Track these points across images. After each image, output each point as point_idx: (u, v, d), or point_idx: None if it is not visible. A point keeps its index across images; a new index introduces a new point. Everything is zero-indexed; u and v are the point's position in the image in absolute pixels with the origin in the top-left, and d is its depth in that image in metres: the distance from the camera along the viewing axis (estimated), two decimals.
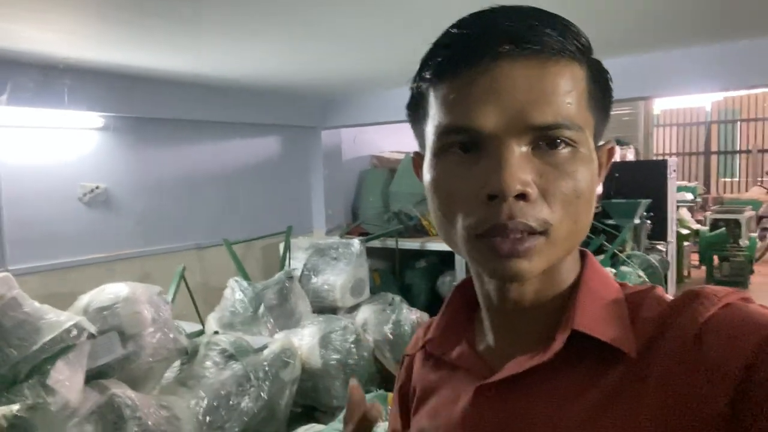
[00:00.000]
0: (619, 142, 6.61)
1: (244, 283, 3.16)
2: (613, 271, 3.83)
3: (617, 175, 5.39)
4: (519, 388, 0.52)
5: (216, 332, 2.86)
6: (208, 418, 2.42)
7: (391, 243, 4.12)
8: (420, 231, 4.14)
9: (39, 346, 1.87)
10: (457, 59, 0.49)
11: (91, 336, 2.02)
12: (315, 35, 2.47)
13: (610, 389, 0.47)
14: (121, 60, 2.72)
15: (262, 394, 2.61)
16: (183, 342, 2.61)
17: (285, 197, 4.21)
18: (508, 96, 0.47)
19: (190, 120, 3.48)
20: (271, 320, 3.11)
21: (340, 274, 3.58)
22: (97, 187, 2.96)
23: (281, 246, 3.73)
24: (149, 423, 2.09)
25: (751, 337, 0.42)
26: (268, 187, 4.05)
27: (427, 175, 0.53)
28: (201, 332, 2.97)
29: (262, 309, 3.10)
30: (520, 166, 0.47)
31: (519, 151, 0.47)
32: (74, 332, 1.95)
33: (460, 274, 3.92)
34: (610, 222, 4.71)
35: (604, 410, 0.47)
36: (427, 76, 0.51)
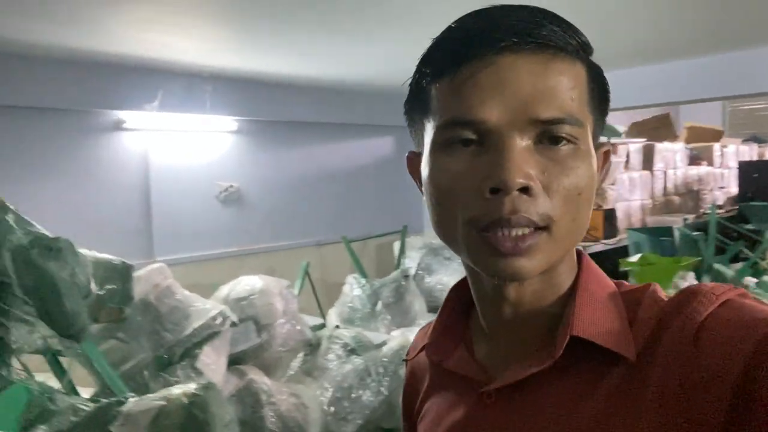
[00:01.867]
0: (757, 140, 5.99)
1: (362, 280, 3.25)
2: (755, 280, 3.47)
3: (756, 175, 4.90)
4: (520, 395, 0.51)
5: (337, 326, 2.96)
6: (332, 409, 2.51)
7: None
8: None
9: (190, 331, 2.04)
10: (460, 53, 0.48)
11: (233, 324, 2.17)
12: (430, 37, 2.48)
13: (610, 394, 0.47)
14: (255, 66, 2.90)
15: (382, 389, 2.66)
16: (308, 334, 2.74)
17: (398, 196, 4.28)
18: (512, 89, 0.46)
19: (311, 122, 3.65)
20: (388, 317, 3.17)
21: (454, 274, 3.57)
22: (231, 186, 3.18)
23: (395, 245, 3.79)
24: (282, 409, 2.21)
25: (748, 337, 0.41)
26: (382, 187, 4.14)
27: (425, 170, 0.52)
28: (322, 326, 3.09)
29: (379, 306, 3.17)
30: (523, 159, 0.46)
31: (522, 144, 0.47)
32: (219, 320, 2.12)
33: None
34: (749, 227, 4.29)
35: (605, 416, 0.46)
36: (429, 71, 0.51)
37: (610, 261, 3.27)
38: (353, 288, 3.25)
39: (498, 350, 0.56)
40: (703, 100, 3.88)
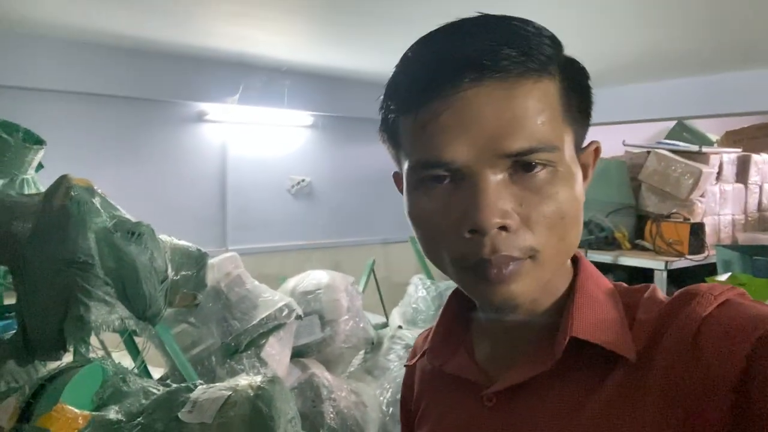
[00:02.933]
0: None
1: (427, 282, 3.20)
2: None
3: None
4: (520, 398, 0.51)
5: (400, 327, 2.93)
6: (390, 410, 2.48)
7: None
8: (611, 244, 3.82)
9: (257, 321, 2.07)
10: (420, 91, 0.47)
11: (298, 317, 2.19)
12: None
13: (611, 395, 0.46)
14: (333, 62, 2.92)
15: None
16: (370, 332, 2.72)
17: None
18: (476, 126, 0.45)
19: None
20: None
21: None
22: (302, 180, 3.22)
23: None
24: (341, 405, 2.21)
25: (747, 336, 0.42)
26: None
27: (405, 202, 0.53)
28: (385, 325, 3.07)
29: None
30: (498, 196, 0.45)
31: (495, 179, 0.46)
32: (285, 312, 2.14)
33: None
34: None
35: (607, 417, 0.46)
36: (393, 107, 0.51)
37: (696, 278, 3.05)
38: (418, 289, 3.20)
39: (498, 353, 0.57)
40: None
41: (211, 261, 2.22)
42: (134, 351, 1.70)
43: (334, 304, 2.45)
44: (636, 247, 3.72)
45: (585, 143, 0.54)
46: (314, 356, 2.49)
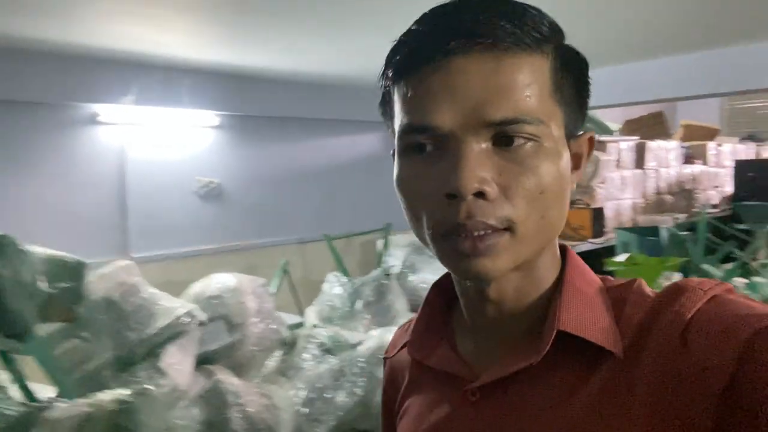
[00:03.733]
0: (755, 138, 5.92)
1: (343, 279, 3.21)
2: (745, 281, 3.42)
3: (752, 174, 4.83)
4: (505, 392, 0.51)
5: (315, 326, 2.92)
6: (305, 410, 2.47)
7: None
8: None
9: (154, 331, 2.00)
10: (413, 57, 0.48)
11: (202, 323, 2.13)
12: None
13: (598, 391, 0.46)
14: (237, 61, 2.85)
15: (356, 390, 2.62)
16: (283, 333, 2.69)
17: (384, 193, 4.22)
18: (462, 92, 0.46)
19: (294, 117, 3.60)
20: (368, 316, 3.13)
21: (438, 272, 3.50)
22: (211, 182, 3.14)
23: (379, 242, 3.74)
24: (250, 410, 2.17)
25: (735, 334, 0.42)
26: (367, 184, 4.09)
27: (394, 173, 0.54)
28: (300, 324, 3.05)
29: (359, 305, 3.12)
30: (478, 163, 0.45)
31: (478, 147, 0.46)
32: (186, 319, 2.07)
33: None
34: (742, 227, 4.23)
35: (593, 412, 0.46)
36: (390, 75, 0.51)
37: (597, 260, 3.21)
38: (333, 286, 3.20)
39: (483, 347, 0.55)
40: (697, 97, 3.83)
41: (102, 270, 2.12)
42: (13, 370, 1.60)
43: (241, 307, 2.40)
44: None
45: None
46: (224, 362, 2.43)
